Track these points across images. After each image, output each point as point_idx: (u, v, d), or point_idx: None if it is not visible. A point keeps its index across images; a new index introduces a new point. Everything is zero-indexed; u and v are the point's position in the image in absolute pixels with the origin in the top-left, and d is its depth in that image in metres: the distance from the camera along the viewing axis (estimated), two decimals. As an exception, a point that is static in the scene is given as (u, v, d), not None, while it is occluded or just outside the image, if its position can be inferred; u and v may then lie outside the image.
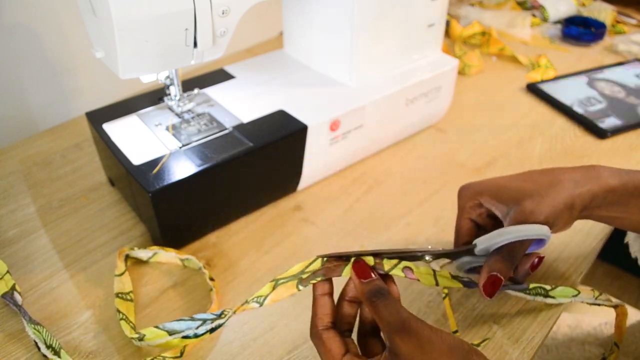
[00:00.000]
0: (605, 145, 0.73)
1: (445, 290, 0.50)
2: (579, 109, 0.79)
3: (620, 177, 0.43)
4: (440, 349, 0.32)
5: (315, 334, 0.38)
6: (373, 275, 0.38)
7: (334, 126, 0.61)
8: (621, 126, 0.76)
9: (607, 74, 0.90)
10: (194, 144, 0.56)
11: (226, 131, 0.57)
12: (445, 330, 0.34)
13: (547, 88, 0.85)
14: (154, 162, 0.52)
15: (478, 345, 0.45)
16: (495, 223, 0.47)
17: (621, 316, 0.48)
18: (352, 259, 0.39)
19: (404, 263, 0.40)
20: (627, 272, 1.30)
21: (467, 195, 0.46)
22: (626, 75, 0.89)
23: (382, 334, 0.35)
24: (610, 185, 0.43)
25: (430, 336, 0.33)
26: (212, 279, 0.51)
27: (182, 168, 0.52)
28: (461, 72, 0.90)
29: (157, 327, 0.42)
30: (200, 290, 0.52)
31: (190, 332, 0.41)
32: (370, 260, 0.39)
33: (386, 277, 0.39)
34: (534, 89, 0.86)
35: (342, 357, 0.36)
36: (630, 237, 0.52)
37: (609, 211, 0.44)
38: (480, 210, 0.46)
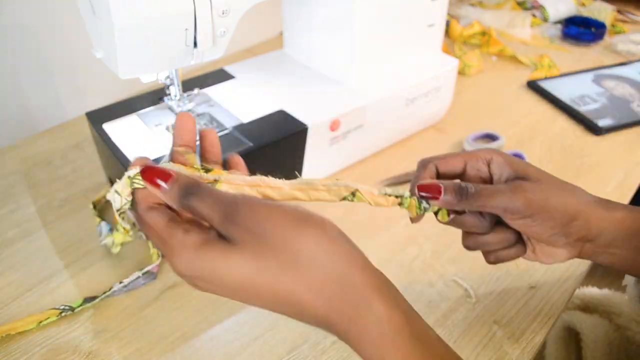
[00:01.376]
0: (605, 144, 0.73)
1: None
2: (579, 107, 0.80)
3: (636, 215, 0.38)
4: (283, 224, 0.28)
5: (138, 218, 0.33)
6: (172, 175, 0.31)
7: (334, 126, 0.61)
8: (621, 124, 0.76)
9: (613, 71, 0.90)
10: (194, 144, 0.55)
11: (226, 131, 0.57)
12: None
13: (547, 86, 0.85)
14: (154, 162, 0.52)
15: None
16: None
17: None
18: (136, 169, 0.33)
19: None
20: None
21: (485, 149, 0.40)
22: (631, 73, 0.90)
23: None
24: (625, 222, 0.38)
25: (269, 213, 0.29)
26: None
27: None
28: (461, 72, 0.90)
29: None
30: (200, 290, 0.51)
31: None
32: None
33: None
34: (534, 87, 0.86)
35: (164, 227, 0.31)
36: (630, 281, 0.50)
37: (618, 250, 0.38)
38: (481, 166, 0.40)
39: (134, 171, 0.33)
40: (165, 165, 0.34)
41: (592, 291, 0.65)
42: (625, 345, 0.59)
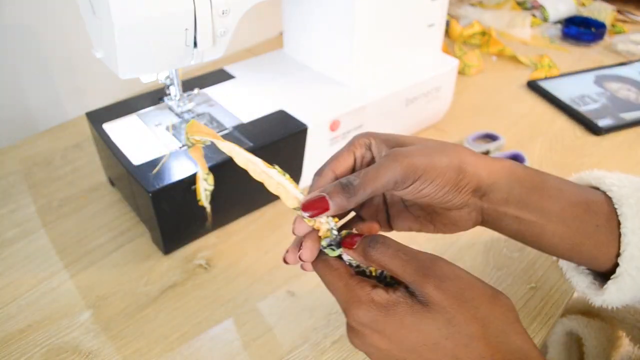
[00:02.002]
0: (605, 144, 0.73)
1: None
2: (579, 107, 0.80)
3: (526, 168, 0.38)
4: (482, 296, 0.29)
5: (322, 259, 0.34)
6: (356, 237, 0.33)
7: (334, 126, 0.61)
8: (621, 124, 0.76)
9: (613, 71, 0.90)
10: (194, 144, 0.55)
11: (226, 131, 0.57)
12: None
13: (547, 86, 0.85)
14: (154, 162, 0.52)
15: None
16: None
17: None
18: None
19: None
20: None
21: (360, 135, 0.38)
22: (631, 73, 0.90)
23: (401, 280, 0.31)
24: (516, 172, 0.37)
25: (471, 281, 0.30)
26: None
27: (182, 168, 0.52)
28: (461, 72, 0.90)
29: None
30: (200, 290, 0.52)
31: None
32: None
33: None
34: (534, 87, 0.86)
35: (351, 277, 0.32)
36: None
37: (519, 211, 0.37)
38: (365, 152, 0.38)
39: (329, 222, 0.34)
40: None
41: None
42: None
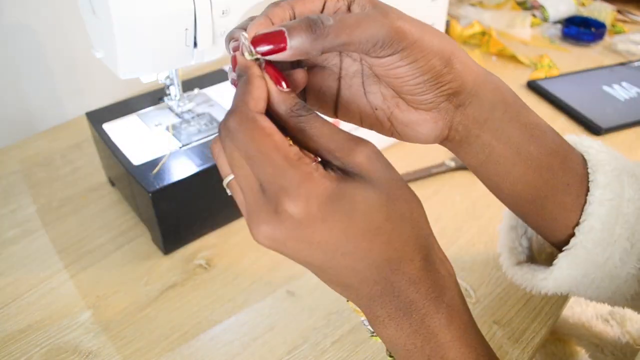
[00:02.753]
0: (605, 144, 0.73)
1: None
2: (579, 108, 0.79)
3: (517, 97, 0.34)
4: (399, 177, 0.27)
5: (244, 118, 0.25)
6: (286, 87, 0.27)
7: (334, 126, 0.61)
8: (621, 124, 0.76)
9: (613, 71, 0.90)
10: (194, 144, 0.55)
11: (226, 131, 0.57)
12: None
13: (547, 86, 0.85)
14: (154, 162, 0.52)
15: None
16: None
17: None
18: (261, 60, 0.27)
19: None
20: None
21: None
22: (631, 72, 0.90)
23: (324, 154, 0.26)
24: (505, 95, 0.33)
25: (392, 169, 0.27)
26: None
27: (182, 168, 0.52)
28: (461, 72, 0.90)
29: None
30: (200, 290, 0.52)
31: None
32: None
33: None
34: (534, 87, 0.86)
35: (290, 145, 0.25)
36: (504, 227, 0.43)
37: (495, 139, 0.33)
38: (342, 6, 0.30)
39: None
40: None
41: (566, 317, 0.64)
42: None
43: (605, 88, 0.86)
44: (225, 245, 0.57)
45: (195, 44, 0.49)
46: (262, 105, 0.26)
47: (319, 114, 0.28)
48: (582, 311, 0.63)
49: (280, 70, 0.28)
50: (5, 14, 0.68)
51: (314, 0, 0.29)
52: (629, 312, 0.59)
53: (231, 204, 0.59)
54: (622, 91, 0.85)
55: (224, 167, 0.28)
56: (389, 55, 0.28)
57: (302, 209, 0.24)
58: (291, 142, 0.26)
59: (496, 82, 0.33)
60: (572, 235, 0.34)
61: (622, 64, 0.93)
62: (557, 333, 0.63)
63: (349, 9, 0.30)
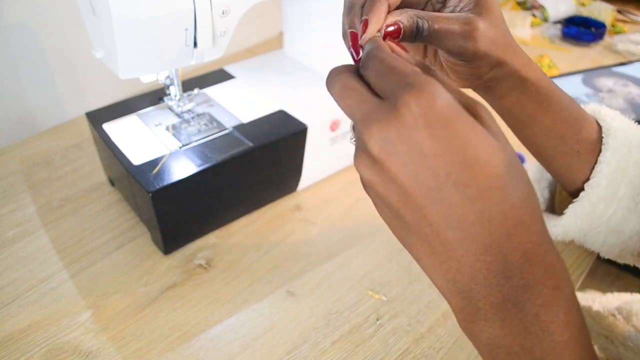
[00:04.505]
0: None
1: None
2: (579, 109, 0.80)
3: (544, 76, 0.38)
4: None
5: (373, 43, 0.27)
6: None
7: (334, 126, 0.61)
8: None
9: (613, 71, 0.90)
10: (194, 144, 0.56)
11: (226, 131, 0.57)
12: None
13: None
14: (154, 162, 0.52)
15: None
16: None
17: None
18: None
19: None
20: (627, 272, 1.30)
21: None
22: (631, 72, 0.90)
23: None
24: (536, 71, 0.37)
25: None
26: None
27: (182, 168, 0.52)
28: (461, 72, 0.90)
29: None
30: (200, 290, 0.52)
31: None
32: None
33: None
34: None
35: (414, 62, 0.26)
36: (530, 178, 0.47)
37: (519, 99, 0.37)
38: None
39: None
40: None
41: None
42: None
43: (606, 88, 0.86)
44: (225, 245, 0.57)
45: (195, 44, 0.49)
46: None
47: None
48: (589, 307, 0.63)
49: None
50: (5, 14, 0.68)
51: None
52: (635, 307, 0.59)
53: (231, 204, 0.59)
54: (622, 91, 0.85)
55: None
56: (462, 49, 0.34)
57: (425, 105, 0.21)
58: None
59: (524, 58, 0.37)
60: (582, 189, 0.38)
61: (622, 64, 0.93)
62: None
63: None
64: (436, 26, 0.32)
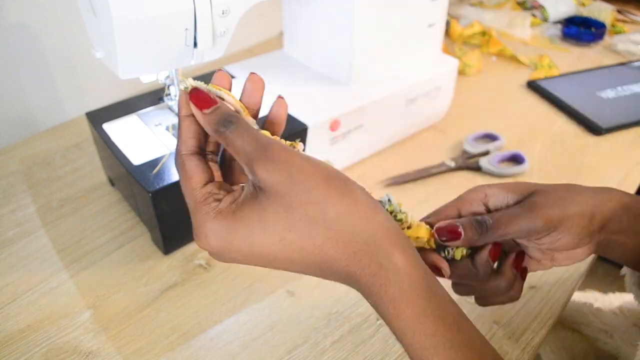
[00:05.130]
0: (605, 144, 0.73)
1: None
2: (579, 108, 0.80)
3: (631, 196, 0.39)
4: (314, 178, 0.28)
5: (177, 162, 0.32)
6: (217, 101, 0.31)
7: (334, 126, 0.61)
8: (621, 124, 0.76)
9: (613, 71, 0.90)
10: (194, 144, 0.55)
11: (226, 131, 0.57)
12: None
13: (547, 86, 0.85)
14: (154, 162, 0.52)
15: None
16: None
17: None
18: (191, 87, 0.32)
19: None
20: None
21: (472, 189, 0.39)
22: (631, 72, 0.90)
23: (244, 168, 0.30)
24: (624, 202, 0.38)
25: (302, 164, 0.28)
26: None
27: (182, 168, 0.52)
28: (461, 72, 0.90)
29: None
30: (200, 290, 0.52)
31: None
32: None
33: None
34: (534, 87, 0.86)
35: (202, 187, 0.30)
36: (628, 270, 0.48)
37: (626, 235, 0.38)
38: (477, 208, 0.39)
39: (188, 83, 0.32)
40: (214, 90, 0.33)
41: (573, 306, 0.65)
42: (596, 354, 0.59)
43: (605, 88, 0.86)
44: (225, 245, 0.57)
45: (195, 44, 0.49)
46: (190, 144, 0.31)
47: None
48: (591, 304, 0.63)
49: (205, 95, 0.31)
50: (5, 14, 0.68)
51: (449, 210, 0.38)
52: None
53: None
54: (622, 91, 0.85)
55: None
56: (545, 237, 0.36)
57: (205, 246, 0.29)
58: (210, 180, 0.31)
59: (616, 195, 0.38)
60: None
61: (622, 64, 0.93)
62: (565, 322, 0.63)
63: (486, 206, 0.38)
64: (497, 215, 0.36)
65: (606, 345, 0.59)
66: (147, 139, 0.56)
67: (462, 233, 0.35)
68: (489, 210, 0.38)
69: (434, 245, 0.37)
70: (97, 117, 0.59)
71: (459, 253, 0.37)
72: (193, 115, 0.32)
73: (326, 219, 0.28)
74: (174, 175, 0.51)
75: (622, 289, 0.69)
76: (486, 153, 0.71)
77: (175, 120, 0.59)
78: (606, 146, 0.73)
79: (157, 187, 0.49)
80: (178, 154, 0.32)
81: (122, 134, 0.57)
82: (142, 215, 0.57)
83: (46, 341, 0.46)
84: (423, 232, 0.36)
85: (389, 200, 0.35)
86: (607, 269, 1.29)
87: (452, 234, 0.36)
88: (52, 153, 0.70)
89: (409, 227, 0.36)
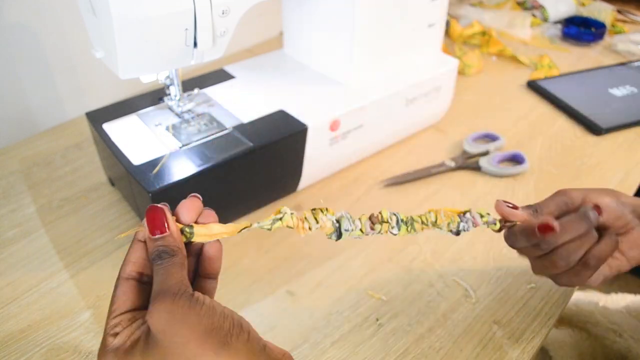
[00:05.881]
0: (605, 144, 0.73)
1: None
2: (579, 108, 0.79)
3: None
4: (192, 329, 0.27)
5: (116, 280, 0.33)
6: (168, 230, 0.31)
7: (334, 126, 0.61)
8: (621, 124, 0.76)
9: (613, 71, 0.90)
10: (194, 144, 0.56)
11: (226, 131, 0.57)
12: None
13: (547, 86, 0.85)
14: (154, 162, 0.52)
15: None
16: None
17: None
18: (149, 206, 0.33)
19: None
20: (627, 272, 1.30)
21: (593, 191, 0.43)
22: (631, 72, 0.90)
23: None
24: None
25: (187, 313, 0.27)
26: None
27: (182, 168, 0.52)
28: (461, 72, 0.90)
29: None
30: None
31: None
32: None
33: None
34: (534, 87, 0.86)
35: (116, 316, 0.31)
36: None
37: None
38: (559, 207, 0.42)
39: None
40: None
41: (580, 306, 0.65)
42: (604, 353, 0.59)
43: (605, 88, 0.86)
44: (225, 245, 0.56)
45: (195, 44, 0.49)
46: (130, 269, 0.32)
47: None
48: (596, 302, 0.63)
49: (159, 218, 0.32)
50: (5, 14, 0.68)
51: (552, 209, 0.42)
52: None
53: (231, 204, 0.59)
54: (622, 91, 0.85)
55: None
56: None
57: None
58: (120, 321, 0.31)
59: None
60: None
61: (622, 64, 0.93)
62: (572, 321, 0.63)
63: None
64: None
65: (615, 344, 0.58)
66: (147, 139, 0.56)
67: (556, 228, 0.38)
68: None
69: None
70: (97, 117, 0.59)
71: (483, 211, 0.41)
72: (140, 243, 0.33)
73: None
74: (174, 175, 0.51)
75: (623, 289, 0.69)
76: (486, 153, 0.71)
77: (174, 120, 0.59)
78: (606, 146, 0.73)
79: (157, 187, 0.49)
80: (118, 274, 0.33)
81: (122, 134, 0.57)
82: (142, 215, 0.57)
83: (46, 341, 0.46)
84: (452, 217, 0.40)
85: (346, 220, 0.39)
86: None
87: (548, 230, 0.38)
88: (52, 153, 0.70)
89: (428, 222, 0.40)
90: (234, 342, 0.28)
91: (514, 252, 0.55)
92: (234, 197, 0.57)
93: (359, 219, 0.39)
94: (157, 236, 0.31)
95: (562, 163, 0.70)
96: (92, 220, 0.59)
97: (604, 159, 0.71)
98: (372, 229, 0.39)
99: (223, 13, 0.49)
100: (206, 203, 0.55)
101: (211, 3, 0.47)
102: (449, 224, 0.40)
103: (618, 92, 0.85)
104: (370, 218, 0.39)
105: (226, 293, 0.51)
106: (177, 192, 0.51)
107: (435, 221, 0.40)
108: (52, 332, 0.47)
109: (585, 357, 0.59)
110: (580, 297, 0.67)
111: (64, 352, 0.45)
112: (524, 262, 0.54)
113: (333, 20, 0.63)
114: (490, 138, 0.74)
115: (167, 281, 0.29)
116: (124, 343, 0.29)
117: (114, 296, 0.32)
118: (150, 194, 0.49)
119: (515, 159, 0.70)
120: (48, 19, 0.71)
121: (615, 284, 1.29)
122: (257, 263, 0.55)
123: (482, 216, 0.41)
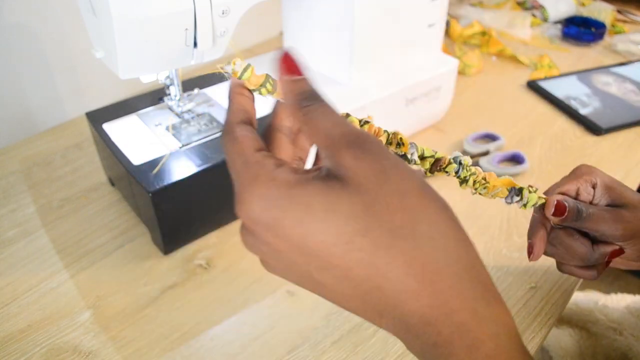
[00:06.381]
0: (605, 144, 0.73)
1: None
2: (579, 108, 0.80)
3: None
4: (410, 182, 0.22)
5: (227, 130, 0.27)
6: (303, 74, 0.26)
7: (334, 126, 0.61)
8: (621, 124, 0.76)
9: (613, 71, 0.90)
10: (194, 144, 0.56)
11: (226, 131, 0.57)
12: None
13: (547, 86, 0.85)
14: (154, 162, 0.52)
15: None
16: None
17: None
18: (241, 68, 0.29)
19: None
20: (627, 272, 1.30)
21: (585, 167, 0.44)
22: (631, 72, 0.90)
23: (319, 150, 0.25)
24: None
25: (398, 162, 0.22)
26: None
27: (182, 168, 0.52)
28: (461, 72, 0.90)
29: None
30: (200, 290, 0.52)
31: None
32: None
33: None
34: (534, 87, 0.86)
35: (254, 152, 0.25)
36: None
37: None
38: (587, 188, 0.43)
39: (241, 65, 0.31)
40: None
41: (579, 305, 0.65)
42: (605, 352, 0.59)
43: (605, 88, 0.86)
44: (225, 245, 0.57)
45: (195, 44, 0.49)
46: (240, 116, 0.29)
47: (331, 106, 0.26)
48: (596, 301, 0.63)
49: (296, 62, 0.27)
50: (5, 14, 0.68)
51: (572, 186, 0.42)
52: None
53: (232, 204, 0.58)
54: (621, 91, 0.85)
55: None
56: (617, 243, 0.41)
57: (246, 215, 0.24)
58: (270, 151, 0.27)
59: None
60: None
61: (622, 64, 0.93)
62: (571, 320, 0.63)
63: (593, 190, 0.42)
64: (590, 210, 0.40)
65: (615, 342, 0.58)
66: (147, 139, 0.56)
67: (567, 209, 0.40)
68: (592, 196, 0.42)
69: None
70: (97, 117, 0.59)
71: (533, 200, 0.40)
72: (244, 94, 0.30)
73: (416, 235, 0.21)
74: (174, 175, 0.51)
75: (623, 289, 0.69)
76: (486, 153, 0.71)
77: (174, 120, 0.59)
78: (606, 146, 0.73)
79: (157, 187, 0.49)
80: (227, 123, 0.27)
81: (122, 134, 0.57)
82: (142, 215, 0.57)
83: (46, 341, 0.46)
84: (501, 183, 0.39)
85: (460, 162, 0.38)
86: (607, 269, 1.29)
87: (559, 209, 0.40)
88: (52, 153, 0.70)
89: (484, 180, 0.38)
90: (450, 209, 0.24)
91: (514, 252, 0.55)
92: (234, 197, 0.57)
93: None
94: (300, 77, 0.26)
95: (562, 163, 0.70)
96: (92, 220, 0.59)
97: (603, 159, 0.71)
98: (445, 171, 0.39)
99: (223, 13, 0.49)
100: (205, 203, 0.55)
101: (211, 3, 0.47)
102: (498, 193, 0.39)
103: (618, 92, 0.85)
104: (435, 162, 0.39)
105: (226, 293, 0.51)
106: (177, 192, 0.51)
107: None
108: (52, 332, 0.47)
109: (586, 357, 0.59)
110: (580, 296, 0.67)
111: (64, 352, 0.45)
112: (524, 262, 0.54)
113: (333, 20, 0.63)
114: (490, 138, 0.74)
115: (347, 123, 0.24)
116: (290, 175, 0.23)
117: (238, 138, 0.26)
118: (150, 194, 0.49)
119: (515, 159, 0.70)
120: (48, 19, 0.71)
121: (615, 284, 1.29)
122: (257, 263, 0.54)
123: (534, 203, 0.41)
